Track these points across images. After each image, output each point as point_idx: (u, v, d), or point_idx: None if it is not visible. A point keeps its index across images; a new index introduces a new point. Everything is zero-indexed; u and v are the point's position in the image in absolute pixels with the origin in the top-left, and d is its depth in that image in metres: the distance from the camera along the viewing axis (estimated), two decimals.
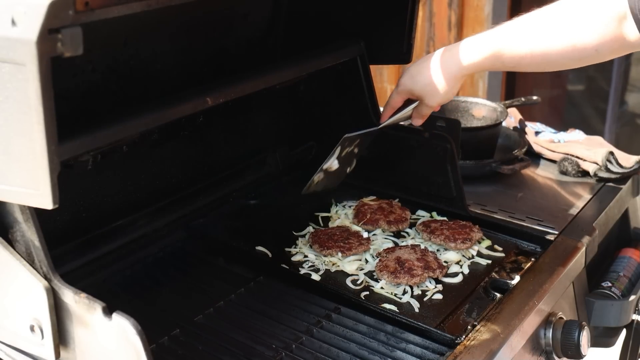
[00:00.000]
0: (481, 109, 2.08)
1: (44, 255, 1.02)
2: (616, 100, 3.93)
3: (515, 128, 2.10)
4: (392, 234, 1.62)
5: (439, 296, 1.41)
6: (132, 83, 1.46)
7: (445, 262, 1.51)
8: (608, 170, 1.87)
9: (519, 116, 2.15)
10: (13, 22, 0.82)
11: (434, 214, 1.70)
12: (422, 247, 1.54)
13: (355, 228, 1.63)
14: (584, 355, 1.40)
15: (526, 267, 1.49)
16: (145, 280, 1.45)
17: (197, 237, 1.61)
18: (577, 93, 4.18)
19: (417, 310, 1.36)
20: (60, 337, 1.04)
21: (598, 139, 2.08)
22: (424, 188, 1.71)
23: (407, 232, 1.64)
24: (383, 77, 3.82)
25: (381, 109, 1.84)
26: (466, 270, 1.49)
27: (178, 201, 1.63)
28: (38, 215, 1.02)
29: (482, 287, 1.43)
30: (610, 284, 1.63)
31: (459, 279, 1.47)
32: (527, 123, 2.13)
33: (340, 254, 1.51)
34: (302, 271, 1.48)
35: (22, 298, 1.05)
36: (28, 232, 1.02)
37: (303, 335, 1.27)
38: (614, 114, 3.96)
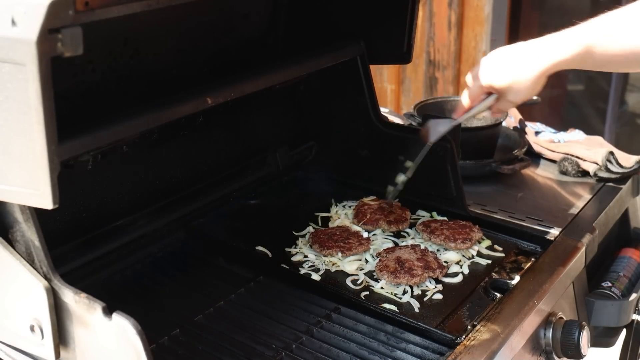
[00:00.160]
0: None
1: (44, 255, 1.02)
2: (616, 100, 3.93)
3: (515, 128, 2.10)
4: (392, 234, 1.62)
5: (439, 296, 1.41)
6: (132, 83, 1.46)
7: (445, 262, 1.51)
8: (608, 170, 1.87)
9: (519, 116, 2.15)
10: (13, 22, 0.82)
11: (434, 214, 1.70)
12: (422, 247, 1.54)
13: (355, 228, 1.63)
14: (584, 355, 1.40)
15: (526, 267, 1.49)
16: (145, 280, 1.45)
17: (197, 237, 1.61)
18: (577, 93, 4.18)
19: (417, 310, 1.36)
20: (60, 337, 1.04)
21: (598, 139, 2.08)
22: (424, 188, 1.71)
23: (407, 232, 1.64)
24: (383, 77, 3.82)
25: (381, 109, 1.84)
26: (466, 270, 1.49)
27: (178, 201, 1.63)
28: (38, 215, 1.02)
29: (482, 287, 1.43)
30: (610, 284, 1.63)
31: (459, 279, 1.47)
32: (527, 123, 2.13)
33: (340, 254, 1.51)
34: (302, 271, 1.48)
35: (22, 298, 1.05)
36: (28, 232, 1.02)
37: (303, 335, 1.27)
38: (614, 114, 3.96)
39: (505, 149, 2.02)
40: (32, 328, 1.05)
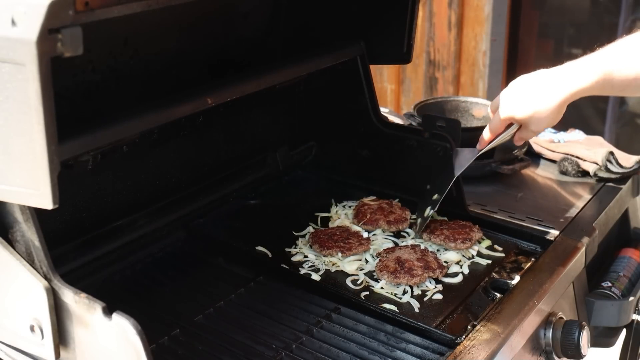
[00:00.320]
0: (481, 109, 2.08)
1: (44, 255, 1.02)
2: (616, 100, 3.93)
3: None
4: (392, 234, 1.62)
5: (439, 296, 1.41)
6: (132, 83, 1.46)
7: (445, 262, 1.51)
8: (608, 170, 1.87)
9: None
10: (13, 22, 0.82)
11: (434, 213, 1.70)
12: (422, 247, 1.54)
13: (355, 228, 1.63)
14: (584, 355, 1.40)
15: (526, 267, 1.49)
16: (145, 280, 1.45)
17: (197, 237, 1.61)
18: None
19: (417, 310, 1.36)
20: (60, 337, 1.04)
21: (598, 139, 2.08)
22: (424, 188, 1.71)
23: (407, 232, 1.64)
24: (383, 77, 3.82)
25: (381, 108, 1.84)
26: (466, 270, 1.49)
27: (178, 201, 1.63)
28: (38, 215, 1.02)
29: (482, 287, 1.43)
30: (610, 284, 1.63)
31: (459, 279, 1.47)
32: None
33: (340, 254, 1.51)
34: (302, 271, 1.48)
35: (22, 298, 1.05)
36: (28, 232, 1.02)
37: (303, 335, 1.27)
38: (614, 114, 3.96)
39: (505, 149, 2.02)
40: (32, 328, 1.05)
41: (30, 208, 1.01)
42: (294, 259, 1.53)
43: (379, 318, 1.31)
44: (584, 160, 1.92)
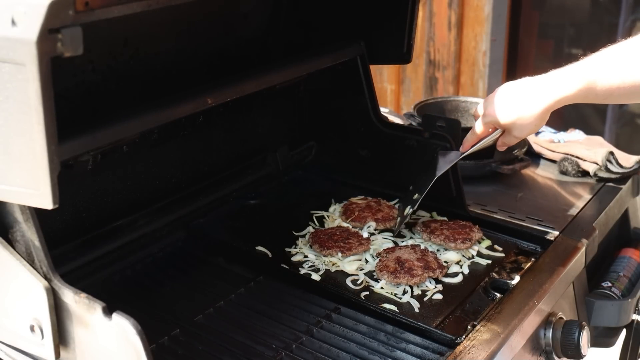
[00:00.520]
0: None
1: (44, 255, 1.02)
2: None
3: None
4: (392, 234, 1.62)
5: (439, 296, 1.41)
6: (132, 83, 1.46)
7: (445, 262, 1.51)
8: (608, 170, 1.87)
9: None
10: (13, 22, 0.82)
11: (434, 214, 1.70)
12: (422, 247, 1.54)
13: (356, 228, 1.63)
14: (584, 355, 1.40)
15: (526, 267, 1.49)
16: (145, 280, 1.45)
17: (197, 237, 1.61)
18: None
19: (417, 310, 1.36)
20: (60, 337, 1.04)
21: (598, 139, 2.08)
22: (423, 188, 1.71)
23: (406, 232, 1.64)
24: (383, 77, 3.82)
25: (381, 108, 1.84)
26: (466, 270, 1.49)
27: (178, 201, 1.63)
28: (38, 215, 1.02)
29: (482, 287, 1.43)
30: (610, 284, 1.63)
31: (459, 279, 1.47)
32: None
33: (340, 254, 1.51)
34: (302, 271, 1.48)
35: (22, 298, 1.05)
36: (28, 232, 1.02)
37: (303, 335, 1.27)
38: (614, 114, 3.96)
39: (505, 150, 2.02)
40: (32, 328, 1.05)
41: (30, 208, 1.01)
42: (294, 259, 1.53)
43: (379, 318, 1.31)
44: (584, 160, 1.92)
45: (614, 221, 1.80)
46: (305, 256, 1.53)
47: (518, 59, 3.86)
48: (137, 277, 1.46)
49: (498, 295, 1.40)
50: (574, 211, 1.73)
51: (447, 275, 1.47)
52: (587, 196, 1.82)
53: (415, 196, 1.60)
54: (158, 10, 1.01)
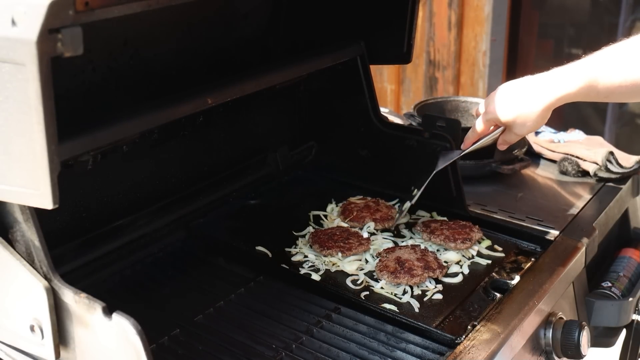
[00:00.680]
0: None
1: (44, 255, 1.02)
2: None
3: None
4: (391, 234, 1.62)
5: (439, 296, 1.41)
6: (132, 83, 1.46)
7: (445, 262, 1.51)
8: (608, 170, 1.87)
9: None
10: (13, 22, 0.82)
11: (434, 214, 1.70)
12: (422, 247, 1.54)
13: (354, 228, 1.63)
14: (584, 355, 1.40)
15: (526, 267, 1.49)
16: (145, 280, 1.45)
17: (197, 237, 1.61)
18: None
19: (417, 310, 1.36)
20: (60, 337, 1.04)
21: (598, 139, 2.08)
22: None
23: (406, 232, 1.64)
24: (383, 77, 3.82)
25: (381, 109, 1.84)
26: (466, 270, 1.49)
27: (178, 201, 1.63)
28: (38, 215, 1.02)
29: (482, 287, 1.43)
30: (610, 284, 1.63)
31: (459, 279, 1.47)
32: None
33: (340, 254, 1.51)
34: (302, 271, 1.48)
35: (22, 298, 1.05)
36: (28, 232, 1.02)
37: (303, 335, 1.27)
38: (614, 114, 3.96)
39: (505, 149, 2.02)
40: (32, 328, 1.05)
41: (30, 208, 1.01)
42: (294, 259, 1.53)
43: (379, 318, 1.31)
44: (584, 160, 1.92)
45: (614, 221, 1.80)
46: (305, 256, 1.53)
47: (518, 59, 3.86)
48: (137, 277, 1.46)
49: (498, 295, 1.40)
50: (574, 211, 1.73)
51: (447, 275, 1.47)
52: (587, 196, 1.82)
53: (415, 192, 1.60)
54: (158, 10, 1.01)
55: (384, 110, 1.95)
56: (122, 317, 0.97)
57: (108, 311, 0.98)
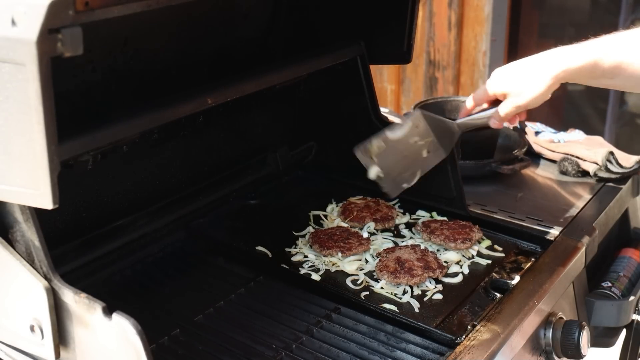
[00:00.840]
0: None
1: (44, 255, 1.02)
2: (616, 100, 3.93)
3: (515, 128, 2.10)
4: (391, 234, 1.62)
5: (439, 296, 1.41)
6: (132, 83, 1.46)
7: (445, 262, 1.51)
8: (608, 170, 1.87)
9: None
10: (13, 22, 0.82)
11: (434, 214, 1.70)
12: (422, 247, 1.54)
13: (354, 228, 1.63)
14: (584, 355, 1.40)
15: (526, 267, 1.49)
16: (145, 280, 1.45)
17: (197, 237, 1.61)
18: (577, 93, 4.18)
19: (417, 310, 1.36)
20: (60, 337, 1.04)
21: (598, 139, 2.08)
22: (423, 188, 1.71)
23: (406, 232, 1.64)
24: (383, 77, 3.82)
25: (381, 109, 1.84)
26: (466, 270, 1.49)
27: (178, 201, 1.63)
28: (38, 215, 1.02)
29: (482, 287, 1.43)
30: (610, 284, 1.63)
31: (459, 279, 1.47)
32: (527, 123, 2.13)
33: (340, 254, 1.51)
34: (302, 271, 1.48)
35: (22, 298, 1.05)
36: (28, 232, 1.02)
37: (303, 335, 1.27)
38: (614, 114, 3.96)
39: (505, 149, 2.02)
40: (32, 328, 1.05)
41: (30, 208, 1.01)
42: (294, 259, 1.53)
43: (379, 318, 1.31)
44: (584, 160, 1.92)
45: (614, 221, 1.80)
46: (305, 256, 1.53)
47: (518, 59, 3.86)
48: (137, 277, 1.46)
49: (498, 295, 1.40)
50: (574, 211, 1.73)
51: (447, 275, 1.47)
52: (587, 196, 1.82)
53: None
54: (158, 10, 1.01)
55: (384, 110, 1.94)
56: (122, 317, 0.97)
57: (108, 311, 0.98)
